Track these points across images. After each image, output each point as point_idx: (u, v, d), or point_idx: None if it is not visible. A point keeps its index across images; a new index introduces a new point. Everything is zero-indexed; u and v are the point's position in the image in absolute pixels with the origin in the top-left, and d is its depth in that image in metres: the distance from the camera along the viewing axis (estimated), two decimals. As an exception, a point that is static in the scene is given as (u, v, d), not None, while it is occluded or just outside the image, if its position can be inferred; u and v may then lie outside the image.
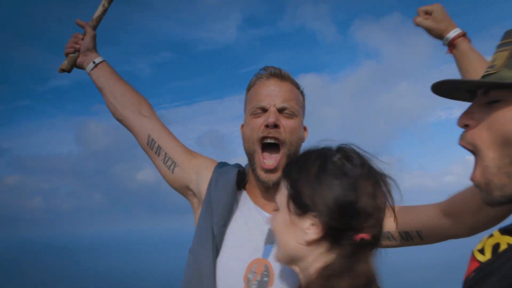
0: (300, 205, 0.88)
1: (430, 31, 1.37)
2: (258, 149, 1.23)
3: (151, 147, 1.37)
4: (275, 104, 1.23)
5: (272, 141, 1.22)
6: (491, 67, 0.73)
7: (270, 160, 1.22)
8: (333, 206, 0.83)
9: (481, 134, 0.71)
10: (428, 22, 1.36)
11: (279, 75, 1.27)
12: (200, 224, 1.24)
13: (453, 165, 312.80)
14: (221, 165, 1.37)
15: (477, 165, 0.72)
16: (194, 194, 1.37)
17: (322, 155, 0.91)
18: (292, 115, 1.25)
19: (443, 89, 0.78)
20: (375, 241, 0.86)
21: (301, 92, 1.34)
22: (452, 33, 1.32)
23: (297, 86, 1.32)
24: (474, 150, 0.73)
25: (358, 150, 0.92)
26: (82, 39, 1.52)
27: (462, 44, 1.30)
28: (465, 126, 0.75)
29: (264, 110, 1.24)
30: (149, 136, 1.37)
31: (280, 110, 1.23)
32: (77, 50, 1.51)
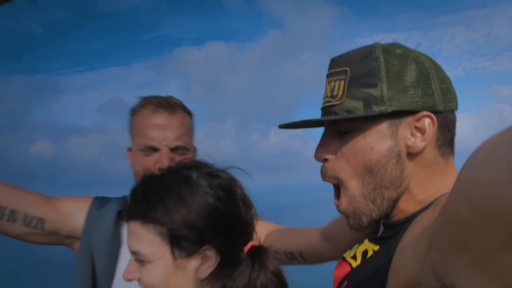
0: (188, 245, 0.78)
1: None
2: None
3: (1, 217, 1.06)
4: (167, 144, 1.16)
5: None
6: (332, 97, 0.75)
7: None
8: (221, 227, 0.78)
9: (341, 166, 0.74)
10: None
11: (168, 107, 1.19)
12: (80, 270, 1.15)
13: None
14: (97, 204, 1.22)
15: (342, 195, 0.75)
16: (78, 238, 1.20)
17: (179, 180, 0.80)
18: (185, 152, 1.20)
19: (291, 126, 0.81)
20: (262, 247, 0.81)
21: (191, 115, 1.27)
22: None
23: (187, 112, 1.25)
24: (338, 183, 0.76)
25: (210, 164, 0.86)
26: None
27: None
28: (324, 160, 0.77)
29: (155, 149, 1.17)
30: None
31: (173, 149, 1.17)
32: None
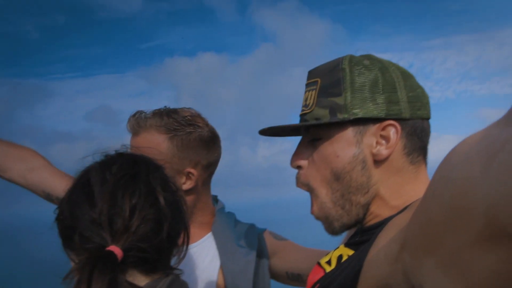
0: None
1: None
2: None
3: (51, 200, 1.25)
4: None
5: None
6: (305, 106, 0.79)
7: None
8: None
9: (312, 174, 0.77)
10: None
11: (131, 130, 1.15)
12: None
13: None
14: None
15: (314, 202, 0.78)
16: None
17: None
18: None
19: (271, 132, 0.85)
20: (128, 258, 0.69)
21: (174, 135, 1.11)
22: None
23: (162, 130, 1.11)
24: (309, 190, 0.79)
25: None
26: None
27: None
28: (298, 167, 0.80)
29: None
30: (43, 191, 1.26)
31: None
32: None
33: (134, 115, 1.14)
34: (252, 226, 1.28)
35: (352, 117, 0.71)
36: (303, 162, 0.78)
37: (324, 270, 0.78)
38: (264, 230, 1.31)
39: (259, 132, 0.84)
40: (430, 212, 0.39)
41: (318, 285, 0.74)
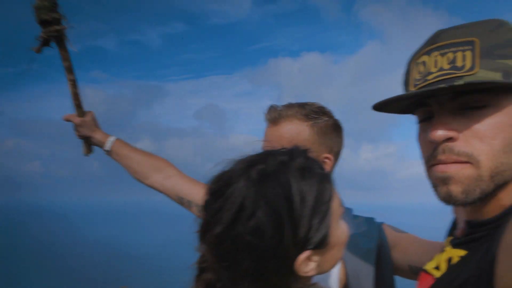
0: None
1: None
2: None
3: (182, 203, 1.44)
4: None
5: None
6: (454, 68, 0.67)
7: None
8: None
9: (475, 144, 0.66)
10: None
11: (271, 120, 1.20)
12: None
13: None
14: None
15: (468, 170, 0.67)
16: None
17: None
18: None
19: (389, 107, 0.75)
20: None
21: (314, 122, 1.18)
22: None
23: (302, 118, 1.17)
24: (469, 161, 0.67)
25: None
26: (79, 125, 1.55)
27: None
28: (447, 140, 0.68)
29: None
30: (177, 195, 1.45)
31: None
32: (85, 136, 1.57)
33: (273, 106, 1.20)
34: (371, 218, 1.27)
35: None
36: (454, 133, 0.67)
37: (433, 276, 0.71)
38: (382, 222, 1.28)
39: (373, 107, 0.74)
40: None
41: None
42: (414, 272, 1.13)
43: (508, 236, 0.53)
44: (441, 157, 0.67)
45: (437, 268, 0.72)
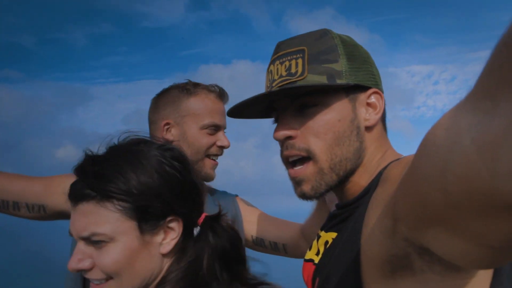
0: (154, 217, 0.75)
1: None
2: (205, 159, 1.31)
3: (6, 208, 1.19)
4: (225, 127, 1.37)
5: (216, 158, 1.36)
6: (290, 75, 0.75)
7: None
8: (184, 196, 0.78)
9: (311, 140, 0.75)
10: None
11: (224, 95, 1.39)
12: None
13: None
14: None
15: (309, 166, 0.76)
16: None
17: (132, 153, 0.77)
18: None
19: (242, 112, 0.83)
20: (218, 216, 0.83)
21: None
22: None
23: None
24: (308, 155, 0.76)
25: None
26: None
27: None
28: (287, 138, 0.77)
29: (217, 129, 1.33)
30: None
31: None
32: None
33: (214, 86, 1.37)
34: (225, 192, 1.43)
35: (352, 83, 0.73)
36: (293, 132, 0.76)
37: (313, 261, 0.78)
38: (236, 195, 1.43)
39: (228, 114, 0.83)
40: (426, 192, 0.39)
41: (318, 279, 0.73)
42: (255, 243, 1.30)
43: (365, 231, 0.61)
44: (286, 152, 0.77)
45: (317, 254, 0.78)
